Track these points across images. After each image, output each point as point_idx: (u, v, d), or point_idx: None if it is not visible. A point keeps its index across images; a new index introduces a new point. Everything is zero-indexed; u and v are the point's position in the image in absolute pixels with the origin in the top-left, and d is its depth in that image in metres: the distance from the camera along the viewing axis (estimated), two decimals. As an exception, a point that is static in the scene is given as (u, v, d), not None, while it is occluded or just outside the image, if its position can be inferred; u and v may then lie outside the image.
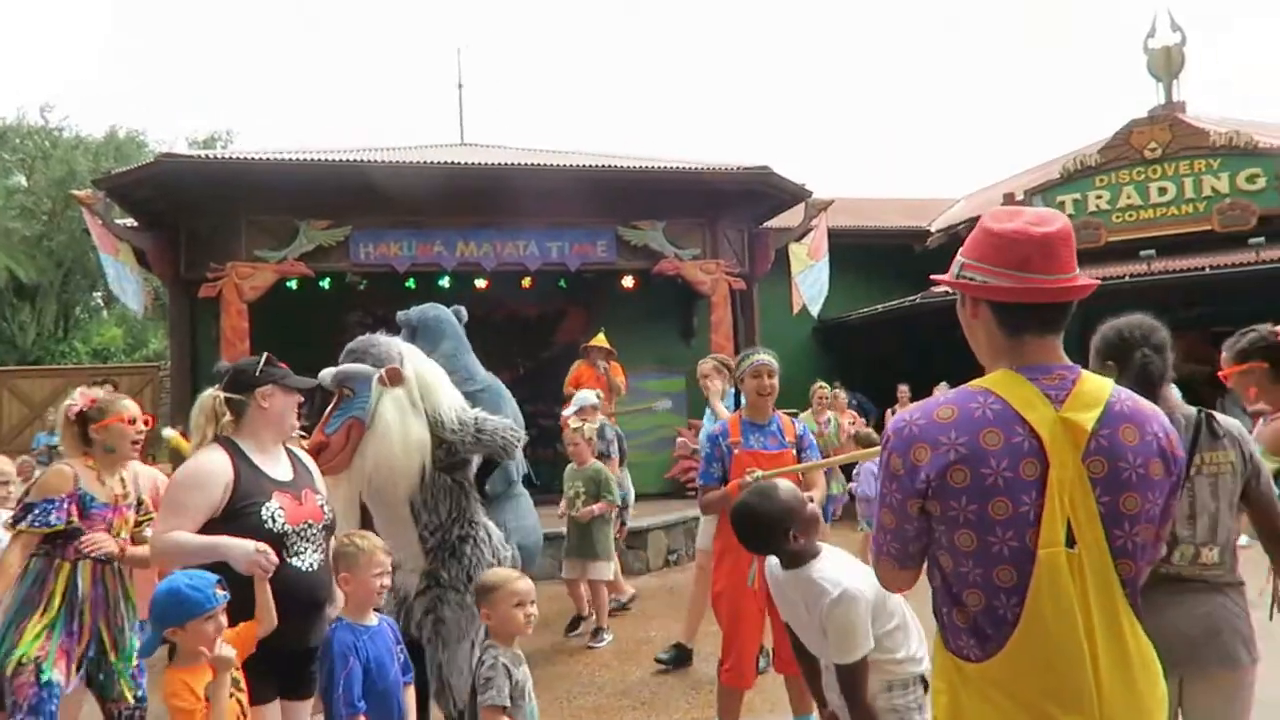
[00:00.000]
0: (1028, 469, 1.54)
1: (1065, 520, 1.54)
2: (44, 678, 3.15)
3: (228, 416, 2.87)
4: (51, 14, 56.52)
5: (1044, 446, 1.54)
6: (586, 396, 7.58)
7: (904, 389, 10.59)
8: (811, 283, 11.21)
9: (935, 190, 21.32)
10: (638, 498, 8.08)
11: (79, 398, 3.49)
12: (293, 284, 10.21)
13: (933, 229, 14.08)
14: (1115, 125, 12.68)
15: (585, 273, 10.99)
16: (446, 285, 11.58)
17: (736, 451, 3.85)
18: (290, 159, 9.82)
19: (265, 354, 2.98)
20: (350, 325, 9.65)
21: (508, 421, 3.68)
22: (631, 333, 10.81)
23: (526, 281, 12.38)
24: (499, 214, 10.15)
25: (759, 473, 3.64)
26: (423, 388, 3.46)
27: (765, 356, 3.99)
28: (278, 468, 2.94)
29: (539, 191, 10.05)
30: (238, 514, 2.76)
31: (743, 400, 5.42)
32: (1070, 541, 1.53)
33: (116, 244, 9.52)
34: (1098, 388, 1.62)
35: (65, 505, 3.28)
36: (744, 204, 11.01)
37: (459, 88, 13.47)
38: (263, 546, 2.65)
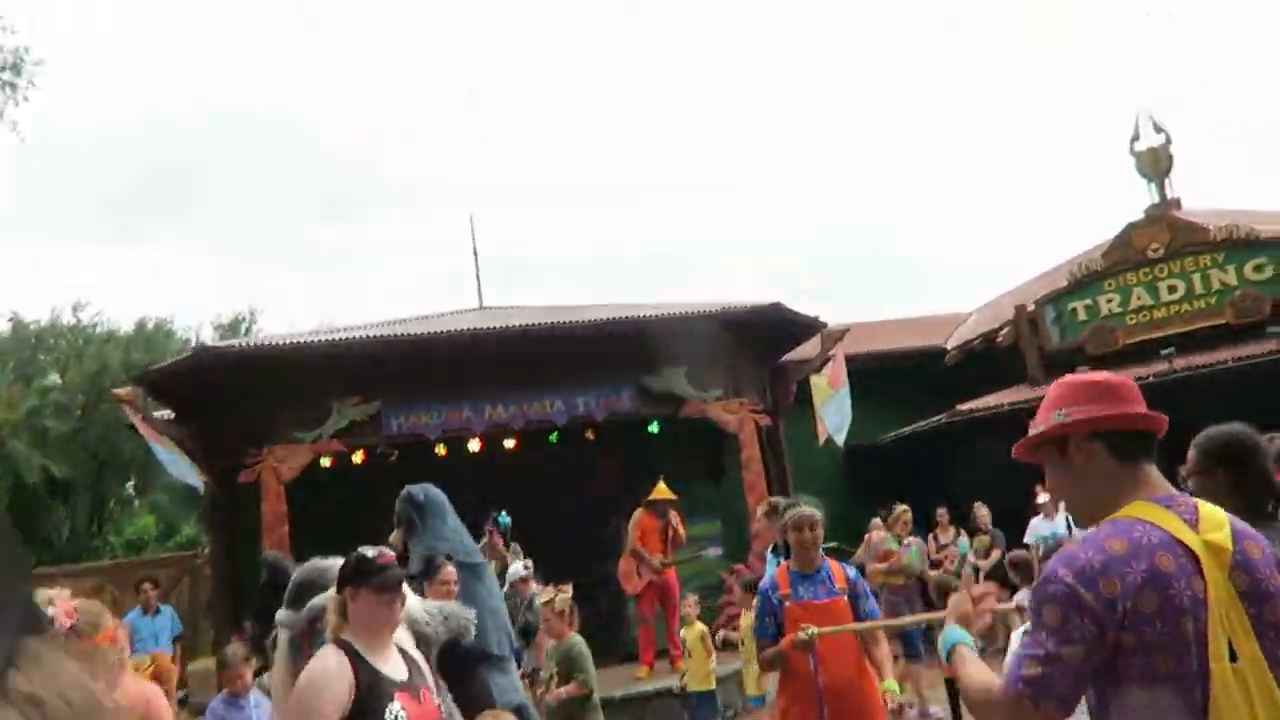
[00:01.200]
0: (1197, 587, 1.64)
1: (1226, 638, 1.62)
2: None
3: (335, 619, 2.91)
4: (75, 210, 59.44)
5: (1201, 567, 1.65)
6: (516, 570, 7.66)
7: (942, 512, 10.49)
8: (834, 412, 11.29)
9: (941, 305, 21.68)
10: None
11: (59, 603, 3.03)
12: (325, 461, 10.39)
13: (949, 346, 14.23)
14: (1112, 223, 13.05)
15: (611, 422, 11.14)
16: (476, 448, 11.76)
17: (787, 605, 3.85)
18: (319, 340, 10.21)
19: (357, 553, 2.99)
20: (383, 499, 9.79)
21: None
22: (666, 478, 10.86)
23: (554, 437, 12.57)
24: (524, 375, 10.40)
25: (814, 630, 3.63)
26: None
27: (808, 509, 4.03)
28: (392, 666, 2.95)
29: (560, 349, 10.34)
30: (362, 714, 2.74)
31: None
32: (1233, 657, 1.61)
33: (159, 435, 9.80)
34: (1215, 510, 1.75)
35: None
36: (760, 340, 11.26)
37: (474, 254, 14.01)
38: None
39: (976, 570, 9.83)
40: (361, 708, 2.76)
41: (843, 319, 12.42)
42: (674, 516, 9.25)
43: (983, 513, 10.55)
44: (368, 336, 10.33)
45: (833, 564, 3.98)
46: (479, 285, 13.52)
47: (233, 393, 10.05)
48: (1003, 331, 13.08)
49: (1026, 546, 8.94)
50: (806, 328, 11.35)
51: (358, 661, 2.84)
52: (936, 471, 12.18)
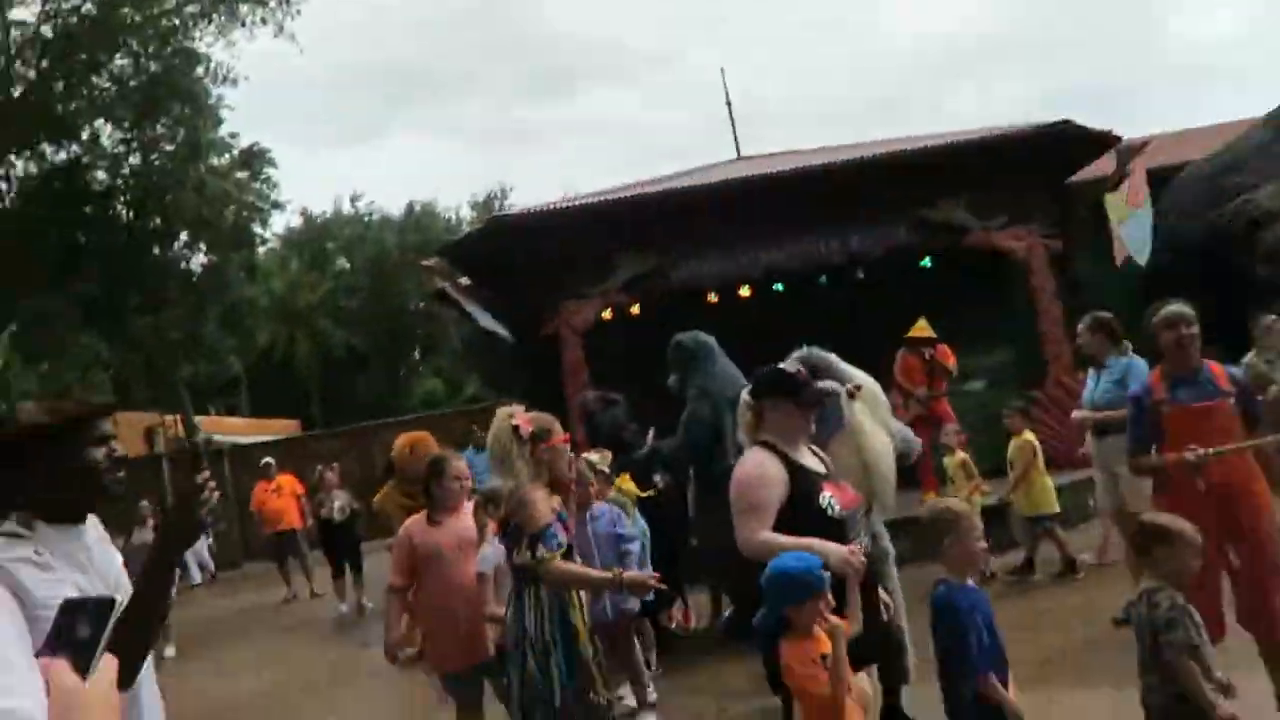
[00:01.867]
0: None
1: None
2: None
3: (750, 419, 3.24)
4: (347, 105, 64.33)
5: None
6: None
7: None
8: (1134, 232, 10.45)
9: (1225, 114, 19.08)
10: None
11: (518, 417, 3.44)
12: (606, 314, 11.00)
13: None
14: None
15: (885, 260, 10.95)
16: (747, 294, 12.02)
17: (1165, 409, 3.74)
18: (600, 200, 10.66)
19: (780, 367, 3.27)
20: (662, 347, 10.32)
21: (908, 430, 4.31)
22: (941, 312, 10.63)
23: (824, 279, 12.57)
24: (797, 218, 10.39)
25: (1204, 451, 3.51)
26: (874, 402, 3.79)
27: (1179, 307, 3.87)
28: (812, 461, 3.23)
29: (832, 188, 10.21)
30: (800, 506, 3.02)
31: (1124, 365, 5.29)
32: None
33: (466, 298, 10.79)
34: None
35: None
36: (1047, 162, 10.55)
37: (728, 105, 13.92)
38: (854, 548, 2.90)
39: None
40: (799, 498, 3.03)
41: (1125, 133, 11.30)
42: (938, 350, 9.12)
43: None
44: (645, 193, 10.67)
45: (1213, 365, 3.82)
46: (735, 136, 13.47)
47: (524, 255, 10.79)
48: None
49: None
50: (1098, 144, 10.47)
51: (785, 459, 3.11)
52: (1246, 286, 11.08)
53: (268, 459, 12.91)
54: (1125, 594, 5.43)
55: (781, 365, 3.27)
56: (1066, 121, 9.95)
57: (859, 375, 3.90)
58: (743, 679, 5.53)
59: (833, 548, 2.86)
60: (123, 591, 1.94)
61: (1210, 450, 3.50)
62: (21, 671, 0.79)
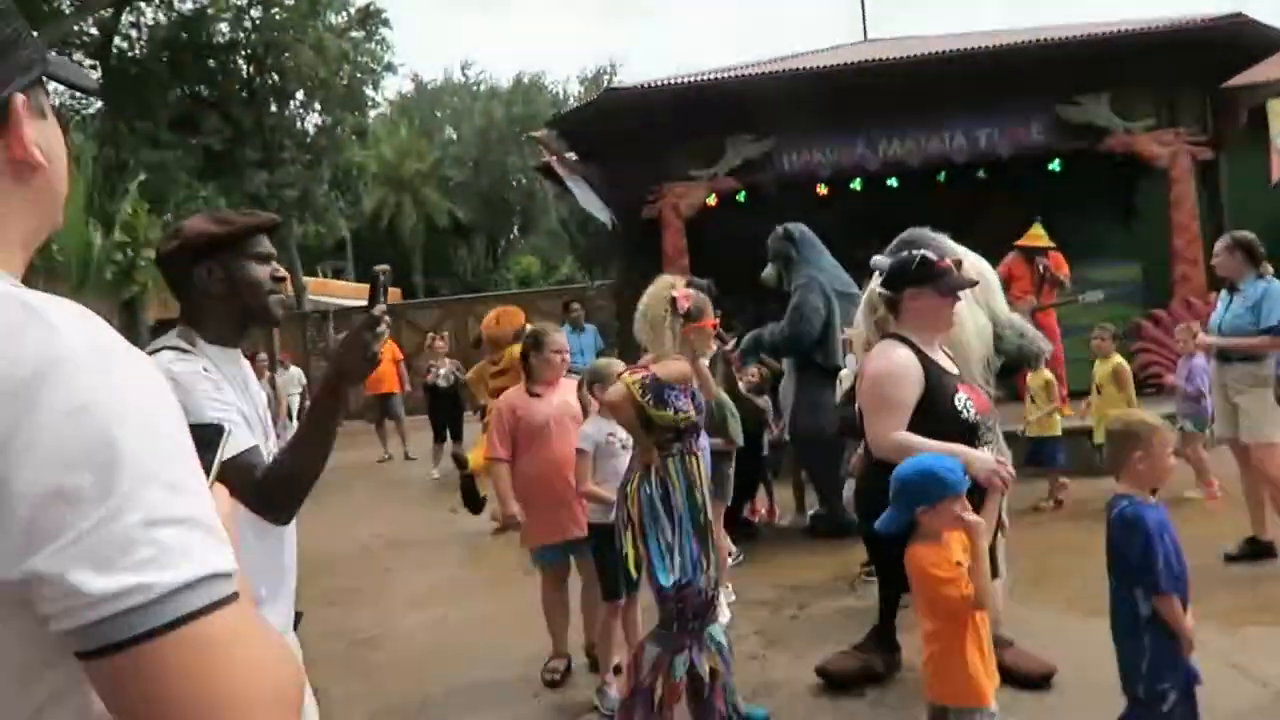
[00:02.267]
0: None
1: None
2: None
3: (882, 311, 3.06)
4: (454, -20, 63.45)
5: None
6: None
7: None
8: (1298, 146, 9.56)
9: None
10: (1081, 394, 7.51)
11: (678, 290, 3.29)
12: (710, 200, 10.70)
13: None
14: None
15: (1009, 159, 10.31)
16: (858, 188, 11.53)
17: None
18: (713, 78, 10.23)
19: (921, 254, 3.02)
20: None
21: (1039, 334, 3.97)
22: (1065, 220, 10.02)
23: (943, 176, 11.95)
24: (921, 108, 9.81)
25: None
26: (987, 289, 3.53)
27: None
28: (946, 361, 3.05)
29: (962, 78, 9.56)
30: (934, 406, 2.86)
31: (1261, 289, 4.86)
32: None
33: (572, 173, 10.64)
34: None
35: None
36: (1206, 61, 9.60)
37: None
38: (1002, 459, 2.74)
39: None
40: (933, 397, 2.87)
41: None
42: (1052, 259, 8.56)
43: None
44: (761, 73, 10.19)
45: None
46: (864, 15, 12.68)
47: (634, 134, 10.49)
48: None
49: None
50: (1268, 43, 9.46)
51: (920, 354, 2.93)
52: None
53: (367, 322, 13.23)
54: (1240, 529, 5.20)
55: (922, 251, 3.02)
56: (1239, 15, 8.99)
57: (968, 255, 3.59)
58: (823, 575, 5.51)
59: (978, 454, 2.71)
60: (267, 431, 1.89)
61: None
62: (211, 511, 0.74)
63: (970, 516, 2.52)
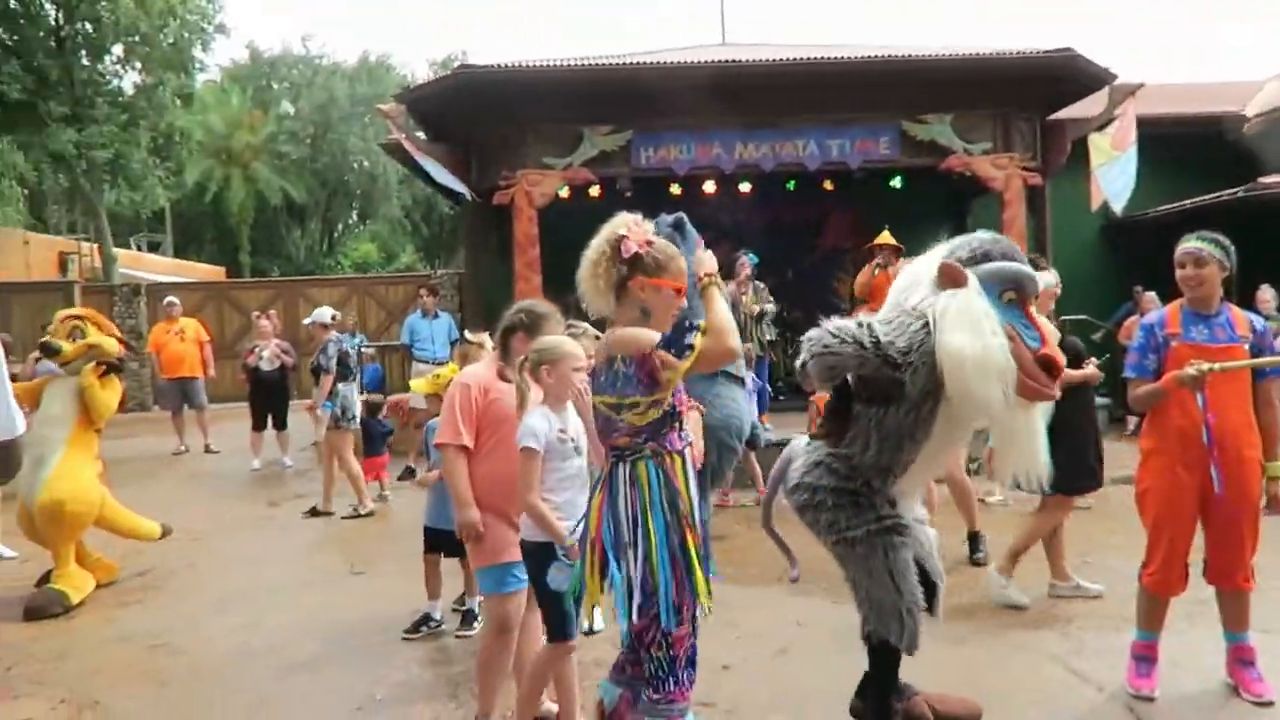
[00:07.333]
0: None
1: None
2: None
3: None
4: (298, -51, 60.36)
5: None
6: (322, 312, 8.03)
7: (1268, 291, 9.27)
8: (1115, 177, 10.22)
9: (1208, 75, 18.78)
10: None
11: (631, 228, 2.63)
12: (563, 191, 10.41)
13: (1248, 114, 12.48)
14: None
15: (854, 174, 10.56)
16: (711, 190, 11.56)
17: (1174, 344, 3.51)
18: (575, 65, 9.95)
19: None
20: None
21: None
22: (903, 235, 10.35)
23: (791, 184, 12.16)
24: (777, 113, 9.88)
25: (1206, 366, 3.33)
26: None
27: (1194, 242, 3.59)
28: None
29: (819, 88, 9.70)
30: None
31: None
32: None
33: (421, 151, 10.08)
34: None
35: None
36: (1040, 93, 10.16)
37: (717, -14, 13.06)
38: None
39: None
40: None
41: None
42: (898, 265, 8.78)
43: (1266, 296, 9.49)
44: (622, 64, 10.00)
45: (1234, 310, 3.57)
46: (722, 20, 12.71)
47: (489, 116, 10.07)
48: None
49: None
50: (1093, 81, 10.10)
51: None
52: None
53: (171, 298, 11.96)
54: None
55: None
56: (1069, 51, 9.53)
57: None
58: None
59: None
60: None
61: (1209, 365, 3.31)
62: None
63: None
